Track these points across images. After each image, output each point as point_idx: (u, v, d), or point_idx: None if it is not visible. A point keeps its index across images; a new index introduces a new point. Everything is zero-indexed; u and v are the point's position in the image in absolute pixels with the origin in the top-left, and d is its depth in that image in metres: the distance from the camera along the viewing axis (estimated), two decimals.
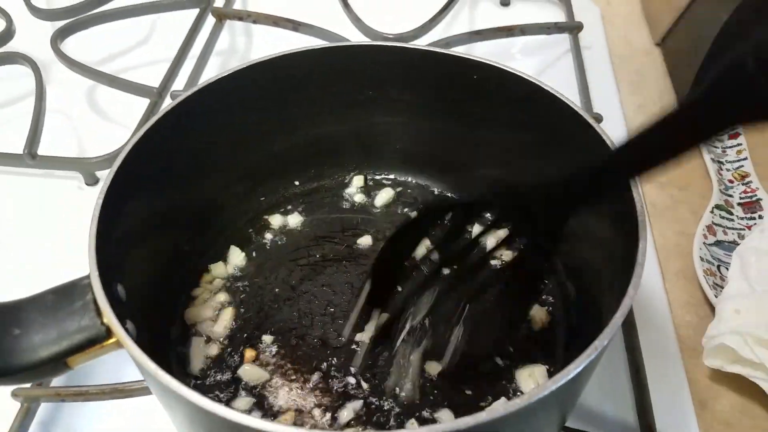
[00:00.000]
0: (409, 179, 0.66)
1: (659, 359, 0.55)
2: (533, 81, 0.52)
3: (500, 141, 0.58)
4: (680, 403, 0.53)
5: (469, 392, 0.49)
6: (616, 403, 0.52)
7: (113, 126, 0.81)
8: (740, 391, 0.54)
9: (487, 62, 0.54)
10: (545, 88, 0.51)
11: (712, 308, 0.59)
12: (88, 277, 0.39)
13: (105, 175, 0.69)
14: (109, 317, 0.36)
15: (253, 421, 0.31)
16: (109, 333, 0.38)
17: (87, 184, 0.73)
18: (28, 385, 0.53)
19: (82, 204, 0.70)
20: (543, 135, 0.53)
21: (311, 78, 0.58)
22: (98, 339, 0.38)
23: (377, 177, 0.67)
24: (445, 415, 0.47)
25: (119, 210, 0.44)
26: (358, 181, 0.66)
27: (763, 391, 0.51)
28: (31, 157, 0.69)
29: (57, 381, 0.55)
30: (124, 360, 0.54)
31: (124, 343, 0.35)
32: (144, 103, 0.77)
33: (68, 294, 0.39)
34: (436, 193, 0.66)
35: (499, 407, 0.31)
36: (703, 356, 0.54)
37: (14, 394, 0.52)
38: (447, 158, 0.63)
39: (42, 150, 0.71)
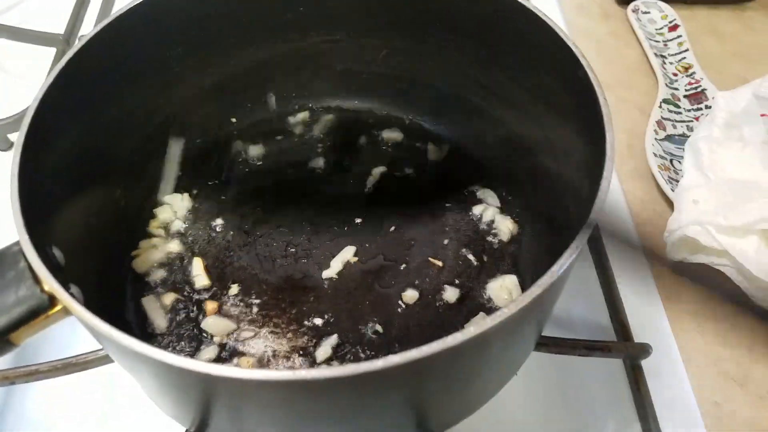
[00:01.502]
0: (355, 104, 0.63)
1: (624, 258, 0.56)
2: None
3: (448, 51, 0.54)
4: (649, 298, 0.54)
5: (449, 311, 0.49)
6: (587, 306, 0.53)
7: (19, 82, 0.73)
8: (704, 281, 0.55)
9: None
10: None
11: (669, 203, 0.59)
12: (17, 243, 0.35)
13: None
14: (50, 283, 0.32)
15: (223, 369, 0.29)
16: (52, 301, 0.34)
17: (0, 150, 0.66)
18: None
19: None
20: (491, 40, 0.51)
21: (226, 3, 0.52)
22: (41, 309, 0.34)
23: (320, 106, 0.63)
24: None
25: (40, 169, 0.39)
26: (302, 116, 0.62)
27: (727, 279, 0.52)
28: None
29: (3, 363, 0.51)
30: (73, 331, 0.51)
31: (71, 308, 0.31)
32: (50, 53, 0.70)
33: None
34: (382, 114, 0.62)
35: (487, 320, 0.30)
36: (666, 251, 0.55)
37: None
38: (392, 76, 0.59)
39: None
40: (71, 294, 0.33)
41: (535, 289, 0.31)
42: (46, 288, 0.34)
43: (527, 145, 0.53)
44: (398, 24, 0.55)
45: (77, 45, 0.44)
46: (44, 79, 0.65)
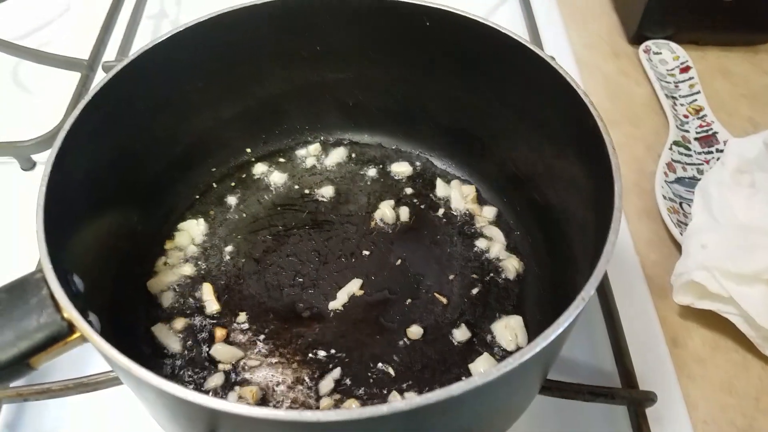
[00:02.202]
0: (365, 138, 0.64)
1: (629, 300, 0.56)
2: (488, 24, 0.50)
3: (457, 89, 0.56)
4: (654, 343, 0.54)
5: (453, 348, 0.49)
6: (591, 349, 0.53)
7: (44, 105, 0.75)
8: (711, 327, 0.55)
9: (440, 7, 0.51)
10: (502, 30, 0.49)
11: (677, 245, 0.60)
12: (39, 271, 0.36)
13: (42, 159, 0.67)
14: (71, 312, 0.34)
15: (230, 405, 0.30)
16: (71, 328, 0.35)
17: (23, 169, 0.68)
18: None
19: (19, 190, 0.66)
20: (499, 80, 0.52)
21: (251, 36, 0.54)
22: (60, 336, 0.35)
23: (331, 138, 0.64)
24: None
25: (64, 196, 0.41)
26: (314, 148, 0.63)
27: (734, 326, 0.52)
28: None
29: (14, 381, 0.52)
30: (86, 351, 0.52)
31: (89, 338, 0.33)
32: (74, 77, 0.72)
33: (21, 291, 0.36)
34: (392, 149, 0.64)
35: (492, 370, 0.30)
36: (672, 294, 0.55)
37: None
38: (402, 112, 0.61)
39: None
40: (89, 322, 0.34)
41: (541, 341, 0.32)
42: (66, 315, 0.35)
43: (534, 185, 0.54)
44: (409, 63, 0.57)
45: (106, 77, 0.46)
46: (69, 102, 0.68)
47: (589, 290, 0.33)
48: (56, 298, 0.35)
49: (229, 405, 0.30)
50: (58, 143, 0.41)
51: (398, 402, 0.29)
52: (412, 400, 0.29)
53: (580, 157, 0.44)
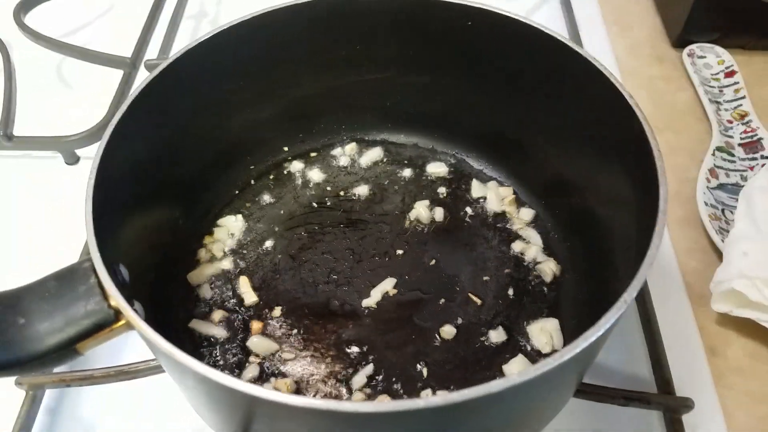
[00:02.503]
0: (401, 138, 0.65)
1: (668, 308, 0.55)
2: (531, 24, 0.49)
3: (496, 90, 0.56)
4: (692, 351, 0.53)
5: (486, 349, 0.49)
6: (628, 356, 0.53)
7: (87, 101, 0.77)
8: (750, 336, 0.54)
9: (483, 7, 0.51)
10: (546, 30, 0.48)
11: (718, 254, 0.59)
12: (88, 260, 0.37)
13: (85, 154, 0.69)
14: (118, 300, 0.35)
15: (270, 393, 0.30)
16: (117, 316, 0.36)
17: (67, 163, 0.70)
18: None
19: (63, 184, 0.68)
20: (540, 81, 0.52)
21: (291, 36, 0.55)
22: (107, 323, 0.36)
23: (367, 138, 0.65)
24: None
25: (111, 189, 0.42)
26: (350, 148, 0.64)
27: None
28: (7, 138, 0.66)
29: (59, 366, 0.54)
30: (126, 340, 0.54)
31: (136, 326, 0.34)
32: (116, 74, 0.74)
33: (70, 279, 0.37)
34: (427, 149, 0.64)
35: (530, 369, 0.30)
36: (711, 302, 0.54)
37: (18, 383, 0.51)
38: (440, 112, 0.61)
39: (16, 131, 0.67)
40: (135, 310, 0.35)
41: (581, 342, 0.31)
42: (113, 303, 0.36)
43: (574, 188, 0.53)
44: (448, 63, 0.57)
45: (151, 75, 0.47)
46: (112, 98, 0.70)
47: (632, 293, 0.33)
48: (104, 286, 0.36)
49: (269, 393, 0.30)
50: (106, 137, 0.43)
51: (435, 397, 0.30)
52: (449, 395, 0.29)
53: (624, 160, 0.44)
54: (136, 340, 0.53)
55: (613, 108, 0.44)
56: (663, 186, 0.37)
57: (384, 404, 0.30)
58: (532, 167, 0.58)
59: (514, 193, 0.59)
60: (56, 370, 0.53)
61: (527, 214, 0.57)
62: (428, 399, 0.29)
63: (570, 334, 0.49)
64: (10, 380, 0.50)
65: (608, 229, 0.47)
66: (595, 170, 0.50)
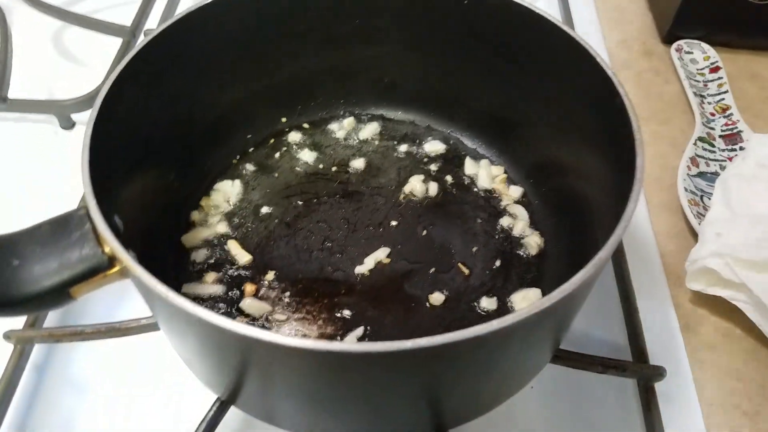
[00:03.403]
0: (399, 114, 0.66)
1: (646, 286, 0.57)
2: (527, 6, 0.51)
3: (492, 71, 0.57)
4: (667, 326, 0.55)
5: (473, 316, 0.51)
6: (606, 328, 0.54)
7: (84, 68, 0.78)
8: (722, 315, 0.56)
9: None
10: (540, 13, 0.50)
11: (695, 237, 0.60)
12: (83, 207, 0.38)
13: (81, 119, 0.70)
14: (112, 245, 0.35)
15: (267, 334, 0.31)
16: (111, 262, 0.37)
17: (62, 128, 0.71)
18: (20, 327, 0.52)
19: (58, 148, 0.69)
20: (535, 63, 0.53)
21: (292, 8, 0.56)
22: (101, 268, 0.37)
23: (365, 113, 0.66)
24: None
25: (106, 143, 0.42)
26: (348, 122, 0.65)
27: (745, 316, 0.53)
28: (1, 100, 0.66)
29: (50, 322, 0.54)
30: (116, 299, 0.55)
31: (130, 267, 0.34)
32: (115, 43, 0.74)
33: (65, 225, 0.38)
34: (424, 127, 0.65)
35: (509, 316, 0.32)
36: (686, 280, 0.56)
37: (6, 336, 0.51)
38: (436, 91, 0.63)
39: (11, 94, 0.67)
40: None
41: (558, 294, 0.33)
42: (107, 250, 0.37)
43: (560, 167, 0.55)
44: (445, 43, 0.58)
45: (146, 38, 0.48)
46: (110, 66, 0.71)
47: (608, 250, 0.35)
48: (99, 232, 0.36)
49: (268, 334, 0.31)
50: (102, 93, 0.43)
51: (421, 339, 0.31)
52: (434, 338, 0.31)
53: (609, 141, 0.45)
54: (127, 300, 0.55)
55: (597, 86, 0.45)
56: (640, 156, 0.39)
57: (376, 345, 0.31)
58: (523, 147, 0.59)
59: (505, 172, 0.60)
60: (46, 325, 0.54)
61: (516, 191, 0.59)
62: (416, 341, 0.31)
63: None
64: None
65: (590, 206, 0.49)
66: (580, 150, 0.51)
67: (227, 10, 0.53)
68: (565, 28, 0.49)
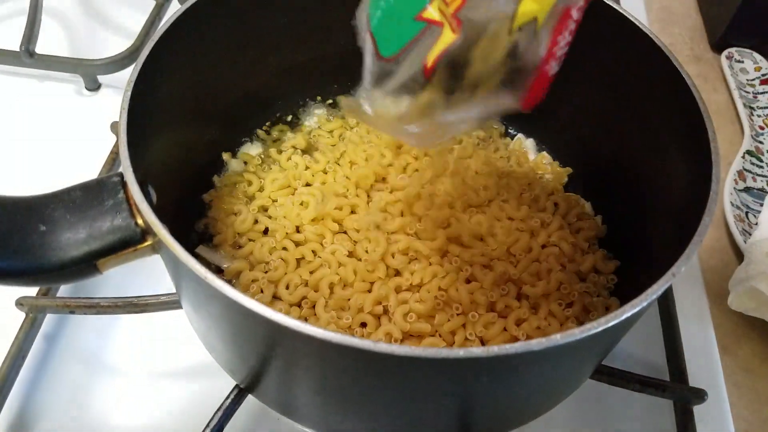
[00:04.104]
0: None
1: (687, 303, 0.55)
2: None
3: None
4: (706, 346, 0.53)
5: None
6: (643, 344, 0.52)
7: (114, 29, 0.75)
8: (762, 338, 0.54)
9: None
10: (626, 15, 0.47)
11: (738, 254, 0.58)
12: (118, 174, 0.36)
13: (108, 81, 0.67)
14: (149, 217, 0.33)
15: (305, 326, 0.28)
16: (143, 235, 0.35)
17: (87, 89, 0.68)
18: (33, 294, 0.50)
19: (82, 110, 0.66)
20: (593, 52, 0.49)
21: None
22: (132, 241, 0.35)
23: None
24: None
25: (144, 107, 0.40)
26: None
27: None
28: (28, 54, 0.64)
29: (62, 291, 0.52)
30: (131, 274, 0.53)
31: (167, 243, 0.32)
32: (147, 5, 0.71)
33: (97, 191, 0.35)
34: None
35: (574, 331, 0.29)
36: (728, 300, 0.54)
37: (19, 303, 0.49)
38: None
39: (39, 50, 0.65)
40: None
41: (629, 308, 0.31)
42: (140, 222, 0.35)
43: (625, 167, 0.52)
44: None
45: (187, 3, 0.45)
46: (139, 31, 0.68)
47: (680, 267, 0.32)
48: (135, 202, 0.34)
49: (305, 326, 0.29)
50: (145, 54, 0.41)
51: (475, 349, 0.29)
52: (491, 348, 0.28)
53: (677, 142, 0.43)
54: (145, 274, 0.52)
55: (667, 90, 0.43)
56: (716, 166, 0.37)
57: (420, 350, 0.29)
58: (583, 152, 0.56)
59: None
60: (59, 294, 0.52)
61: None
62: (468, 350, 0.28)
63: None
64: (10, 301, 0.49)
65: (654, 213, 0.46)
66: (645, 148, 0.48)
67: None
68: (635, 20, 0.46)
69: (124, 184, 0.35)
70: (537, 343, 0.29)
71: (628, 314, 0.31)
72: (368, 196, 0.52)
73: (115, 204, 0.35)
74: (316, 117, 0.60)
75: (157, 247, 0.35)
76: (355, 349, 0.29)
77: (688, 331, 0.52)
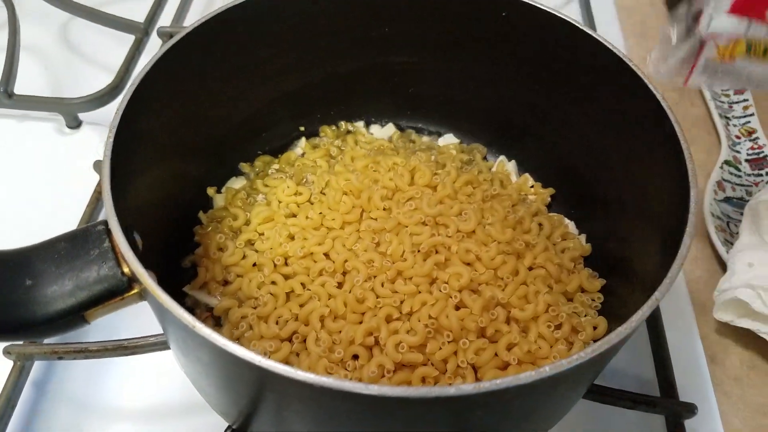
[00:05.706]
0: (419, 126, 0.64)
1: (672, 315, 0.55)
2: (568, 19, 0.48)
3: (525, 83, 0.55)
4: (693, 358, 0.53)
5: None
6: (631, 359, 0.52)
7: (93, 65, 0.75)
8: (748, 347, 0.55)
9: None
10: (581, 27, 0.48)
11: (722, 264, 0.59)
12: (102, 223, 0.36)
13: (88, 119, 0.67)
14: (134, 266, 0.33)
15: (294, 372, 0.29)
16: (130, 284, 0.35)
17: (68, 127, 0.68)
18: (20, 342, 0.49)
19: (63, 148, 0.66)
20: (571, 75, 0.51)
21: (317, 12, 0.53)
22: (119, 290, 0.35)
23: (381, 121, 0.64)
24: None
25: (128, 150, 0.40)
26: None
27: None
28: (7, 96, 0.64)
29: (51, 338, 0.52)
30: (119, 316, 0.52)
31: (153, 292, 0.32)
32: (125, 40, 0.71)
33: (83, 241, 0.36)
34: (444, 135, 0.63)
35: (562, 362, 0.30)
36: (713, 310, 0.54)
37: (6, 352, 0.48)
38: (463, 102, 0.60)
39: (17, 90, 0.65)
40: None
41: (614, 337, 0.32)
42: (126, 270, 0.35)
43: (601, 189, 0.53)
44: (478, 55, 0.56)
45: (177, 36, 0.46)
46: (119, 66, 0.68)
47: (663, 291, 0.33)
48: (120, 251, 0.34)
49: (294, 371, 0.29)
50: (128, 95, 0.41)
51: (467, 385, 0.29)
52: (482, 384, 0.29)
53: (654, 160, 0.44)
54: (134, 316, 0.52)
55: (642, 108, 0.43)
56: (693, 188, 0.38)
57: (409, 389, 0.29)
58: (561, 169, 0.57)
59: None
60: (47, 340, 0.51)
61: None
62: (459, 387, 0.29)
63: None
64: None
65: (631, 238, 0.47)
66: (624, 167, 0.49)
67: (256, 13, 0.50)
68: (610, 45, 0.47)
69: (108, 232, 0.35)
70: (526, 377, 0.29)
71: (615, 342, 0.31)
72: (360, 218, 0.53)
73: (101, 253, 0.35)
74: (299, 148, 0.61)
75: (144, 295, 0.35)
76: (346, 392, 0.29)
77: (675, 343, 0.52)
